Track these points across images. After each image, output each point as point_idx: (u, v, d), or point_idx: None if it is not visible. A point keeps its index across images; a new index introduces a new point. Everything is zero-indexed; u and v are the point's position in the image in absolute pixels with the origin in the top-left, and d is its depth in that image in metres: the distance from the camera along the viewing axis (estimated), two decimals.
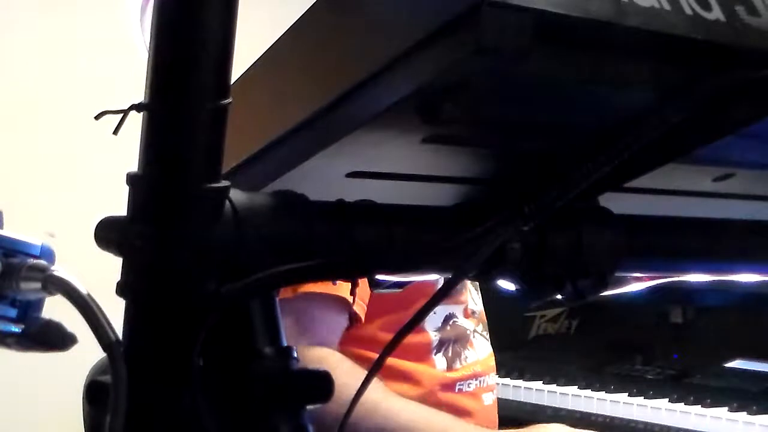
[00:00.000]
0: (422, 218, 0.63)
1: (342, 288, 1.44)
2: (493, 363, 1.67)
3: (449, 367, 1.57)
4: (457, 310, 1.62)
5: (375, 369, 0.61)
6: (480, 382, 1.61)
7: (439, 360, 1.57)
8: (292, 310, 1.43)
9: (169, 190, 0.53)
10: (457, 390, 1.57)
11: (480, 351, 1.64)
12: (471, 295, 1.66)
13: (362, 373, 1.38)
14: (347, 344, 1.51)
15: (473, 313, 1.65)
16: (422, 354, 1.55)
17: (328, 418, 0.67)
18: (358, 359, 1.47)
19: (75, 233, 1.20)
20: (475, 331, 1.64)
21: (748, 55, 0.52)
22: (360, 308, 1.49)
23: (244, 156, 0.65)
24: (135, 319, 0.54)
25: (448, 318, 1.60)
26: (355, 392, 0.61)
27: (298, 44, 0.64)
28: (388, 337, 1.49)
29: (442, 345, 1.57)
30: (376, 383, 1.40)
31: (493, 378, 1.66)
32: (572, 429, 1.48)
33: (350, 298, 1.45)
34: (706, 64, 0.52)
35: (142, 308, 0.54)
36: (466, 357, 1.60)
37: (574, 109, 0.56)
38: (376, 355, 0.60)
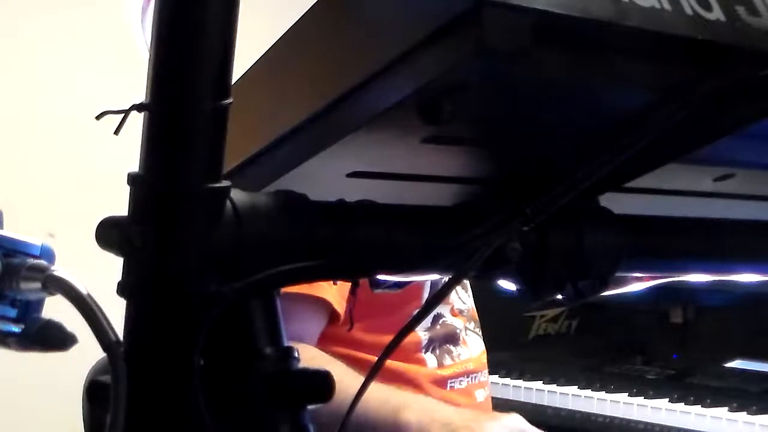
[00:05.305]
0: (422, 218, 0.63)
1: (321, 289, 1.45)
2: (485, 360, 1.68)
3: (439, 365, 1.58)
4: (444, 309, 1.63)
5: (373, 373, 0.61)
6: (472, 379, 1.61)
7: (429, 358, 1.57)
8: None
9: (170, 190, 0.53)
10: (448, 387, 1.57)
11: (473, 348, 1.64)
12: (458, 294, 1.67)
13: (339, 366, 1.37)
14: (332, 344, 1.51)
15: (461, 311, 1.66)
16: (412, 353, 1.55)
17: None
18: (343, 359, 1.46)
19: (75, 233, 1.20)
20: (466, 328, 1.65)
21: (748, 55, 0.52)
22: (340, 305, 1.48)
23: (245, 156, 0.65)
24: (135, 319, 0.54)
25: (437, 318, 1.60)
26: None
27: (298, 44, 0.64)
28: (370, 338, 1.50)
29: (431, 343, 1.58)
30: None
31: (485, 375, 1.66)
32: (527, 424, 1.46)
33: (331, 298, 1.45)
34: (706, 64, 0.52)
35: (143, 308, 0.54)
36: (459, 354, 1.61)
37: (574, 109, 0.56)
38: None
